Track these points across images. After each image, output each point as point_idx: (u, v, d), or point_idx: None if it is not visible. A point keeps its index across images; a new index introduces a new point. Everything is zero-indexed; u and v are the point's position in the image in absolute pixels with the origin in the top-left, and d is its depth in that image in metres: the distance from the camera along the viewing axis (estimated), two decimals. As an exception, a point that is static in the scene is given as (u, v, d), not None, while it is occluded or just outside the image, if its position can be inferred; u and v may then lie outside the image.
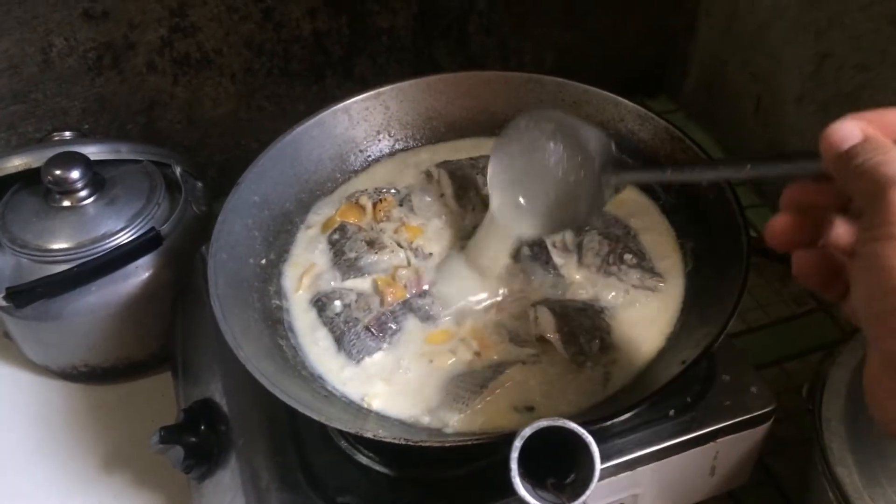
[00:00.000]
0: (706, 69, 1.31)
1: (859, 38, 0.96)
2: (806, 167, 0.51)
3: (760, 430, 0.74)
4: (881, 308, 0.42)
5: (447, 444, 0.63)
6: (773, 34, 1.12)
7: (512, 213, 0.77)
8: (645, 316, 0.76)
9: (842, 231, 0.52)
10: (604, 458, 0.68)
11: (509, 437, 0.57)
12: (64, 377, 1.00)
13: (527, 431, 0.53)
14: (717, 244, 0.78)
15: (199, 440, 0.78)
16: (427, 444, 0.62)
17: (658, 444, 0.71)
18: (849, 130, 0.47)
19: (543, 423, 0.53)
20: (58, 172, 0.90)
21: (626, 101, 0.88)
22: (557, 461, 0.57)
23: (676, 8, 1.31)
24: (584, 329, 0.73)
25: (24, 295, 0.88)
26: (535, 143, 0.74)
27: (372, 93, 0.93)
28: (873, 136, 0.47)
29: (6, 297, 0.88)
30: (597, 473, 0.54)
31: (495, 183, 0.78)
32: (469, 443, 0.63)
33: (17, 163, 0.93)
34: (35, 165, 0.92)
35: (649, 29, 1.34)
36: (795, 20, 1.06)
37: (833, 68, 1.01)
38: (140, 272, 0.93)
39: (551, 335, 0.73)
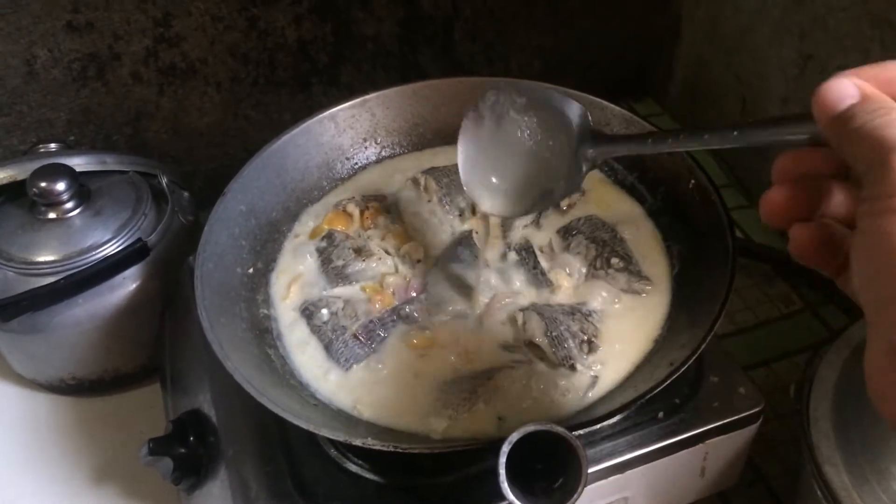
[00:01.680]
0: (691, 72, 1.32)
1: (842, 39, 0.96)
2: (798, 132, 0.46)
3: (749, 431, 0.74)
4: (886, 294, 0.38)
5: (436, 451, 0.63)
6: (757, 36, 1.12)
7: (486, 195, 0.73)
8: (633, 319, 0.76)
9: (841, 200, 0.47)
10: (593, 462, 0.68)
11: (498, 443, 0.57)
12: (52, 390, 0.99)
13: (514, 436, 0.53)
14: (703, 246, 0.78)
15: (188, 451, 0.78)
16: (416, 451, 0.62)
17: (647, 447, 0.71)
18: (845, 89, 0.42)
19: (531, 427, 0.53)
20: (43, 185, 0.90)
21: (611, 106, 0.89)
22: (546, 466, 0.57)
23: (660, 11, 1.32)
24: (572, 333, 0.73)
25: (10, 308, 0.87)
26: (505, 118, 0.70)
27: (358, 100, 0.93)
28: (872, 94, 0.42)
29: (-8, 311, 0.87)
30: (585, 478, 0.54)
31: (466, 164, 0.74)
32: (458, 449, 0.63)
33: (1, 175, 0.93)
34: (20, 178, 0.92)
35: (634, 32, 1.34)
36: (779, 22, 1.07)
37: (817, 69, 1.02)
38: (127, 283, 0.93)
39: (540, 339, 0.73)
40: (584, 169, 0.65)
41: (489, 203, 0.73)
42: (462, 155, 0.74)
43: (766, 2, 1.08)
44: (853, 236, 0.41)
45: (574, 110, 0.67)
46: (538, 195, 0.70)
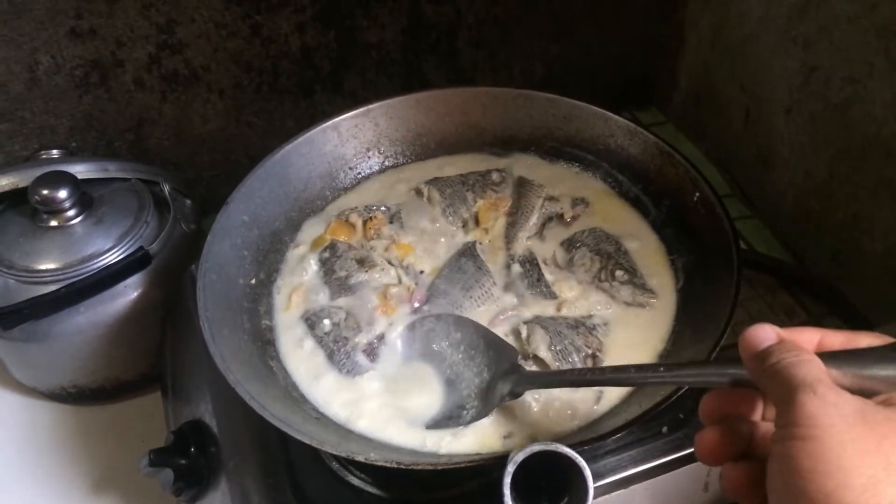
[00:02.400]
0: (695, 81, 1.31)
1: (847, 50, 0.96)
2: (721, 374, 0.52)
3: (754, 446, 0.74)
4: None
5: (440, 468, 0.63)
6: (761, 46, 1.12)
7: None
8: (637, 332, 0.76)
9: (765, 435, 0.51)
10: (597, 477, 0.68)
11: (501, 460, 0.57)
12: (52, 398, 0.99)
13: (519, 456, 0.53)
14: (707, 259, 0.78)
15: (188, 462, 0.78)
16: (419, 467, 0.61)
17: (651, 462, 0.71)
18: (766, 332, 0.49)
19: (536, 447, 0.53)
20: (45, 192, 0.90)
21: (615, 117, 0.88)
22: (550, 484, 0.57)
23: (664, 20, 1.31)
24: (576, 347, 0.73)
25: (12, 316, 0.87)
26: (434, 344, 0.76)
27: (361, 110, 0.93)
28: (788, 338, 0.49)
29: (-7, 319, 0.87)
30: (590, 497, 0.53)
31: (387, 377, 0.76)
32: (461, 465, 0.63)
33: (3, 182, 0.92)
34: (22, 185, 0.91)
35: (638, 40, 1.34)
36: (783, 32, 1.06)
37: (821, 80, 1.02)
38: (129, 292, 0.92)
39: (544, 353, 0.72)
40: (497, 400, 0.67)
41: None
42: (383, 363, 0.77)
43: (771, 11, 1.08)
44: (768, 462, 0.45)
45: (505, 352, 0.71)
46: (447, 411, 0.72)
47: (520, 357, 0.72)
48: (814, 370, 0.45)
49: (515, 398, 0.68)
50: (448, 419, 0.71)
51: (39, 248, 0.90)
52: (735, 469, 0.51)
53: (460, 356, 0.74)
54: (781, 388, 0.45)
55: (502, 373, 0.69)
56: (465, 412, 0.70)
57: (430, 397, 0.73)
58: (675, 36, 1.32)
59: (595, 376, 0.64)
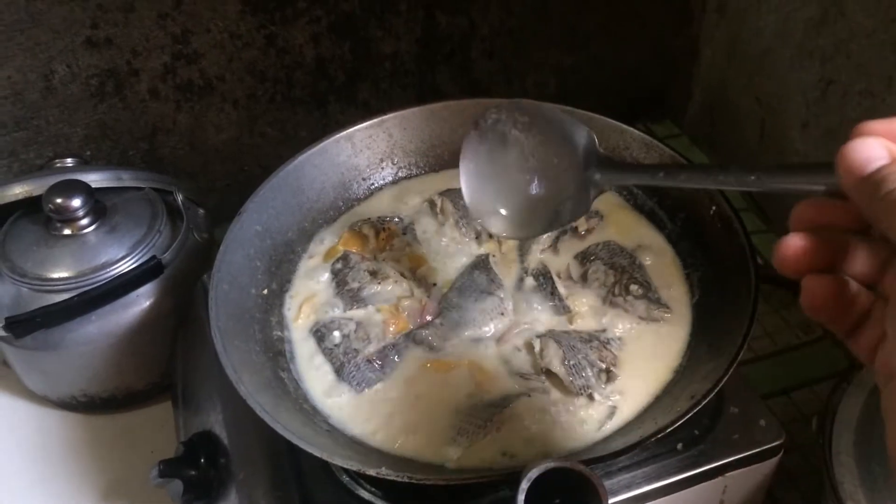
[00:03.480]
0: (710, 93, 1.31)
1: (865, 64, 0.95)
2: (820, 183, 0.44)
3: (770, 464, 0.73)
4: None
5: (452, 483, 0.62)
6: (777, 59, 1.11)
7: (492, 217, 0.71)
8: (652, 348, 0.75)
9: (862, 257, 0.45)
10: (611, 494, 0.67)
11: (515, 476, 0.56)
12: (63, 407, 0.99)
13: (534, 473, 0.52)
14: (724, 274, 0.77)
15: (198, 473, 0.77)
16: (431, 482, 0.61)
17: (666, 479, 0.70)
18: (872, 150, 0.40)
19: (550, 463, 0.52)
20: (59, 201, 0.90)
21: (631, 129, 0.88)
22: (565, 500, 0.56)
23: (679, 33, 1.31)
24: (590, 361, 0.72)
25: (24, 325, 0.87)
26: (507, 137, 0.68)
27: (375, 120, 0.92)
28: None
29: (5, 327, 0.87)
30: (605, 515, 0.52)
31: (470, 185, 0.71)
32: (473, 481, 0.62)
33: (17, 191, 0.92)
34: (36, 193, 0.91)
35: (652, 53, 1.34)
36: (800, 46, 1.06)
37: (838, 94, 1.01)
38: (141, 301, 0.92)
39: (557, 368, 0.72)
40: (592, 193, 0.63)
41: (495, 224, 0.71)
42: (465, 176, 0.72)
43: (788, 25, 1.08)
44: (889, 309, 0.39)
45: (580, 132, 0.65)
46: (545, 216, 0.68)
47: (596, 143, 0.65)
48: None
49: (600, 194, 0.63)
50: (551, 221, 0.67)
51: (52, 257, 0.90)
52: (820, 281, 0.44)
53: (536, 144, 0.67)
54: None
55: (583, 157, 0.63)
56: (562, 209, 0.65)
57: (526, 197, 0.67)
58: (690, 49, 1.31)
59: (684, 176, 0.56)
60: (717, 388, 0.63)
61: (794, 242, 0.45)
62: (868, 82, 0.96)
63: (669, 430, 0.61)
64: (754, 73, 1.17)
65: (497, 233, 0.72)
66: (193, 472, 0.77)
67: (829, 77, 1.02)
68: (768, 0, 1.11)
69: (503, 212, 0.70)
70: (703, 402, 0.62)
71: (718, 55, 1.26)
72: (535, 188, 0.67)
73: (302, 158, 0.88)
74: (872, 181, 0.39)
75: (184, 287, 0.94)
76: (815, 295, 0.45)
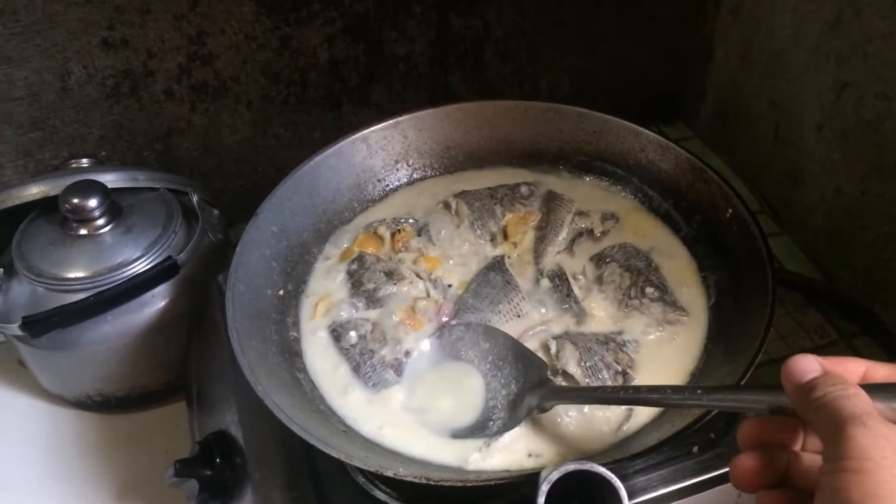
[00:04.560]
0: (723, 95, 1.31)
1: (881, 66, 0.95)
2: (759, 401, 0.51)
3: (786, 467, 0.72)
4: None
5: (470, 485, 0.62)
6: (791, 61, 1.11)
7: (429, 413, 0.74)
8: (668, 350, 0.75)
9: (806, 465, 0.51)
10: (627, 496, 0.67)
11: (532, 478, 0.56)
12: (78, 406, 0.99)
13: (554, 475, 0.52)
14: (740, 277, 0.77)
15: (214, 473, 0.77)
16: (449, 483, 0.61)
17: (682, 482, 0.70)
18: (809, 363, 0.48)
19: (571, 466, 0.52)
20: (75, 201, 0.90)
21: (646, 132, 0.88)
22: (583, 501, 0.56)
23: (691, 34, 1.31)
24: (606, 364, 0.72)
25: (40, 324, 0.87)
26: (463, 354, 0.76)
27: (391, 122, 0.93)
28: (833, 370, 0.48)
29: (22, 327, 0.87)
30: (625, 517, 0.52)
31: (413, 381, 0.76)
32: (492, 482, 0.62)
33: (34, 191, 0.92)
34: (52, 193, 0.92)
35: (665, 55, 1.33)
36: (815, 48, 1.05)
37: (853, 97, 1.01)
38: (156, 301, 0.92)
39: (573, 369, 0.72)
40: (525, 413, 0.67)
41: (432, 415, 0.74)
42: (409, 369, 0.77)
43: (803, 27, 1.07)
44: (816, 494, 0.44)
45: (534, 367, 0.70)
46: (473, 422, 0.72)
47: (549, 371, 0.71)
48: (861, 403, 0.44)
49: (543, 412, 0.67)
50: (474, 430, 0.70)
51: (69, 257, 0.91)
52: (771, 497, 0.51)
53: (488, 366, 0.74)
54: (829, 422, 0.44)
55: (531, 385, 0.68)
56: (491, 423, 0.70)
57: (457, 407, 0.73)
58: (703, 50, 1.31)
59: (628, 395, 0.62)
60: (735, 391, 0.62)
61: (744, 460, 0.51)
62: (884, 85, 0.95)
63: (687, 432, 0.61)
64: (768, 75, 1.17)
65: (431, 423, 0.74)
66: (209, 472, 0.77)
67: (845, 79, 1.01)
68: (783, 1, 1.10)
69: (443, 405, 0.74)
70: (724, 410, 0.62)
71: (732, 57, 1.26)
72: (471, 399, 0.73)
73: (317, 159, 0.88)
74: (807, 388, 0.47)
75: (199, 287, 0.94)
76: None
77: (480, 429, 0.70)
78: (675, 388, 0.58)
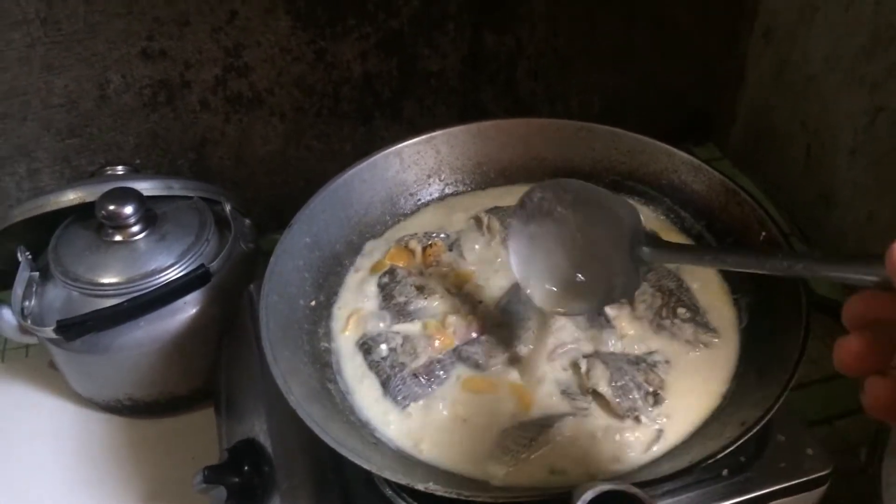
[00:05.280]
0: (754, 117, 1.30)
1: (917, 92, 0.95)
2: (867, 273, 0.45)
3: (816, 494, 0.72)
4: None
5: (500, 500, 0.62)
6: (825, 85, 1.11)
7: (544, 298, 0.72)
8: (699, 372, 0.75)
9: None
10: (656, 518, 0.66)
11: (564, 496, 0.56)
12: (108, 410, 1.01)
13: (588, 495, 0.52)
14: (772, 300, 0.77)
15: (242, 481, 0.78)
16: (480, 499, 0.61)
17: (710, 506, 0.69)
18: None
19: (605, 486, 0.52)
20: (112, 207, 0.92)
21: (680, 153, 0.88)
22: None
23: (725, 56, 1.31)
24: (637, 384, 0.72)
25: (75, 328, 0.89)
26: (553, 215, 0.71)
27: (424, 137, 0.93)
28: None
29: (56, 330, 0.88)
30: (658, 539, 0.52)
31: (520, 263, 0.73)
32: (524, 500, 0.62)
33: (71, 196, 0.94)
34: (89, 200, 0.93)
35: (698, 75, 1.34)
36: (850, 72, 1.05)
37: (888, 122, 1.00)
38: (188, 308, 0.94)
39: (604, 389, 0.71)
40: (642, 270, 0.65)
41: (547, 301, 0.72)
42: (514, 255, 0.74)
43: (837, 50, 1.07)
44: None
45: (624, 209, 0.67)
46: (596, 293, 0.69)
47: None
48: None
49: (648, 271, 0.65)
50: (594, 296, 0.69)
51: (104, 262, 0.92)
52: (882, 383, 0.44)
53: (581, 222, 0.69)
54: None
55: (630, 234, 0.64)
56: (614, 287, 0.67)
57: (576, 280, 0.69)
58: (736, 72, 1.31)
59: (731, 260, 0.59)
60: (769, 416, 0.62)
61: (850, 342, 0.44)
62: (919, 111, 0.95)
63: (720, 455, 0.61)
64: (801, 99, 1.17)
65: (548, 309, 0.73)
66: (237, 480, 0.77)
67: (879, 104, 1.01)
68: (817, 26, 1.10)
69: (553, 289, 0.71)
70: (755, 430, 0.61)
71: (764, 79, 1.26)
72: (584, 265, 0.69)
73: (351, 172, 0.89)
74: None
75: (230, 296, 0.95)
76: (876, 395, 0.44)
77: (607, 295, 0.69)
78: (780, 253, 0.54)
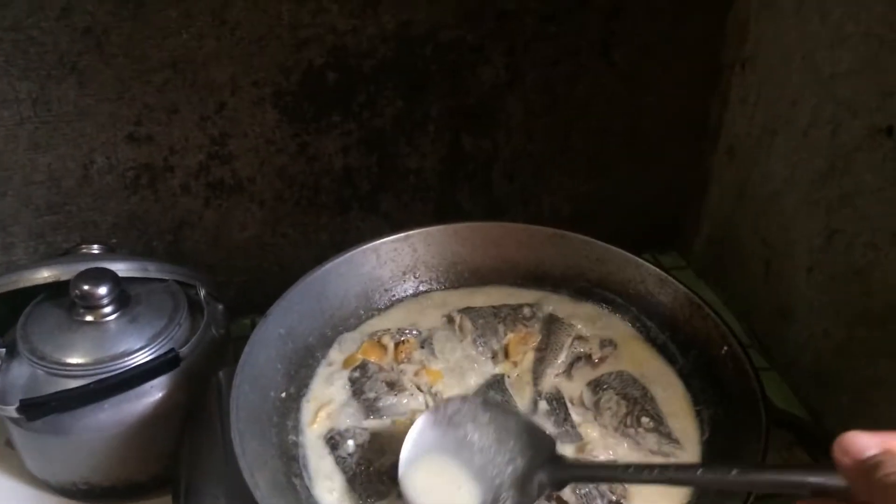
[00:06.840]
0: (718, 229, 1.35)
1: (870, 218, 0.99)
2: (799, 482, 0.48)
3: None
4: None
5: None
6: (785, 204, 1.16)
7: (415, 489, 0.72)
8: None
9: None
10: None
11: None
12: (62, 493, 0.98)
13: None
14: (733, 413, 0.79)
15: (198, 575, 0.76)
16: None
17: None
18: (866, 440, 0.46)
19: None
20: (86, 287, 0.91)
21: (647, 264, 0.92)
22: None
23: (693, 168, 1.36)
24: (600, 492, 0.73)
25: (38, 408, 0.87)
26: (461, 429, 0.73)
27: (401, 235, 0.96)
28: (892, 447, 0.45)
29: (19, 409, 0.87)
30: None
31: (408, 461, 0.73)
32: None
33: (46, 274, 0.93)
34: (64, 278, 0.93)
35: (666, 186, 1.38)
36: (807, 195, 1.10)
37: (843, 244, 1.04)
38: (154, 392, 0.92)
39: (568, 496, 0.72)
40: (537, 492, 0.66)
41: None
42: (406, 452, 0.73)
43: (795, 174, 1.12)
44: None
45: (544, 440, 0.69)
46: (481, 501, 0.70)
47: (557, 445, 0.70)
48: None
49: (559, 489, 0.66)
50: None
51: (72, 342, 0.91)
52: None
53: (489, 441, 0.71)
54: None
55: (540, 462, 0.67)
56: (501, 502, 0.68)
57: (459, 490, 0.71)
58: (700, 185, 1.36)
59: (652, 475, 0.58)
60: (729, 532, 0.63)
61: None
62: (872, 235, 0.99)
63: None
64: (762, 215, 1.22)
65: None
66: (194, 575, 0.76)
67: (834, 226, 1.06)
68: (777, 148, 1.16)
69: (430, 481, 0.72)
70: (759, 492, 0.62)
71: (728, 194, 1.31)
72: (475, 477, 0.71)
73: (328, 266, 0.91)
74: (868, 465, 0.44)
75: (197, 381, 0.94)
76: None
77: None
78: (708, 466, 0.55)
